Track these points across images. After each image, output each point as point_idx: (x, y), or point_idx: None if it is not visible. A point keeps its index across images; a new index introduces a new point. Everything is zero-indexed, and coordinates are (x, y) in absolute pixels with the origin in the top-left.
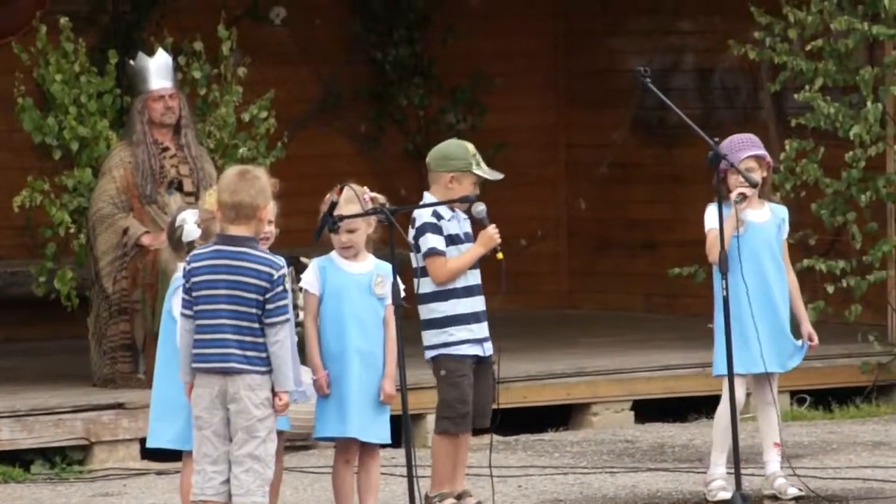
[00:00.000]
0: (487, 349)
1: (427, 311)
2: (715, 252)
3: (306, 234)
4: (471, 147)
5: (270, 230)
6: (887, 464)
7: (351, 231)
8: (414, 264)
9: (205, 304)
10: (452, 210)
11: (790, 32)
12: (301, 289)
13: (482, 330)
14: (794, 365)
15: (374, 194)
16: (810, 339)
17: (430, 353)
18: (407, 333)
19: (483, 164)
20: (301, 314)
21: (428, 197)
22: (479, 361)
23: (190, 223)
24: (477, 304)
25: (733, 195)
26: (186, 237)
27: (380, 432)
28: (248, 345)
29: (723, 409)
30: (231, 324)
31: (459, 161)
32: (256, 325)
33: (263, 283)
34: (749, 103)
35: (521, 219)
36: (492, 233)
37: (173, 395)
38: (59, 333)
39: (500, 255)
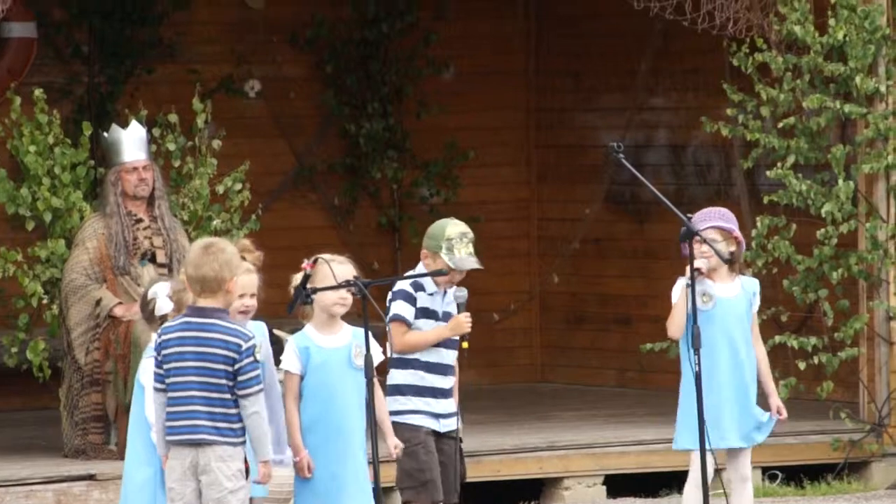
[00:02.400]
0: (446, 426)
1: (387, 378)
2: (673, 326)
3: (280, 306)
4: (451, 231)
5: (251, 304)
6: None
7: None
8: (388, 330)
9: (175, 377)
10: (438, 286)
11: (763, 110)
12: (279, 367)
13: (442, 406)
14: (762, 439)
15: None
16: (779, 413)
17: None
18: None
19: (456, 252)
20: (279, 387)
21: (419, 267)
22: (438, 436)
23: (162, 297)
24: (441, 381)
25: (688, 269)
26: (159, 311)
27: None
28: (219, 416)
29: (690, 486)
30: (200, 395)
31: (431, 241)
32: (227, 396)
33: (232, 354)
34: (722, 180)
35: (493, 292)
36: (463, 320)
37: (140, 462)
38: (31, 404)
39: (465, 345)
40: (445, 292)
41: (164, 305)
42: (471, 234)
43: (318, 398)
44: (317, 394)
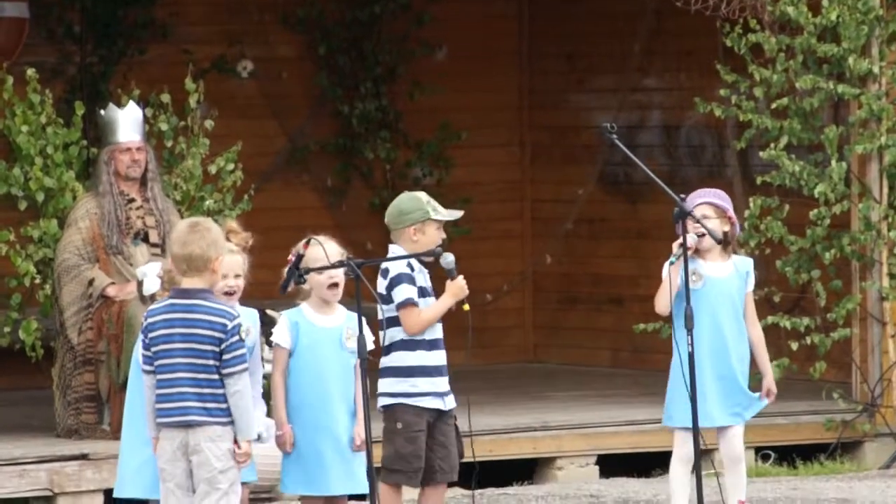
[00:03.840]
0: (449, 402)
1: (390, 360)
2: (659, 303)
3: (272, 287)
4: (422, 195)
5: (235, 284)
6: None
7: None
8: (380, 316)
9: (162, 359)
10: (419, 261)
11: (756, 91)
12: (271, 342)
13: (444, 384)
14: (748, 416)
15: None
16: (767, 395)
17: (386, 401)
18: (371, 387)
19: (440, 208)
20: (269, 366)
21: (395, 249)
22: (439, 415)
23: (151, 276)
24: (440, 357)
25: (674, 246)
26: (147, 291)
27: (356, 483)
28: (208, 396)
29: (676, 463)
30: (188, 377)
31: (416, 212)
32: (215, 377)
33: (218, 334)
34: (715, 160)
35: (486, 273)
36: (461, 283)
37: (141, 443)
38: (24, 384)
39: (466, 307)
40: (423, 267)
41: (151, 285)
42: None
43: (305, 376)
44: (304, 372)
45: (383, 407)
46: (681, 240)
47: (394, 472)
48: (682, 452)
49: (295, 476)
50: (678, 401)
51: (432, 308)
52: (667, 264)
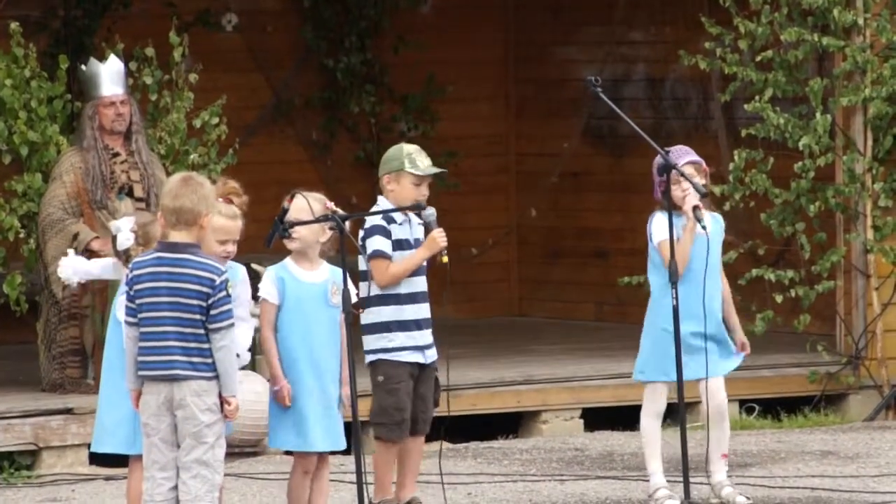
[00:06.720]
0: (429, 356)
1: (369, 316)
2: (684, 263)
3: (258, 241)
4: (408, 147)
5: (233, 251)
6: (835, 473)
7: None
8: (362, 268)
9: (148, 312)
10: (405, 215)
11: (740, 43)
12: (258, 297)
13: (424, 337)
14: (730, 369)
15: (330, 204)
16: (743, 349)
17: (369, 358)
18: (356, 341)
19: (419, 163)
20: (256, 321)
21: (381, 201)
22: (422, 368)
23: (124, 231)
24: (420, 311)
25: (688, 209)
26: (121, 245)
27: (336, 440)
28: (194, 351)
29: (648, 417)
30: (174, 331)
31: (393, 162)
32: (201, 331)
33: (205, 289)
34: (699, 113)
35: (471, 227)
36: (437, 236)
37: (119, 399)
38: (8, 338)
39: (444, 259)
40: (408, 218)
41: (124, 240)
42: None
43: (291, 332)
44: (291, 328)
45: (368, 363)
46: (693, 201)
47: (377, 426)
48: (655, 406)
49: (282, 431)
50: (656, 355)
51: (403, 262)
52: (660, 221)
